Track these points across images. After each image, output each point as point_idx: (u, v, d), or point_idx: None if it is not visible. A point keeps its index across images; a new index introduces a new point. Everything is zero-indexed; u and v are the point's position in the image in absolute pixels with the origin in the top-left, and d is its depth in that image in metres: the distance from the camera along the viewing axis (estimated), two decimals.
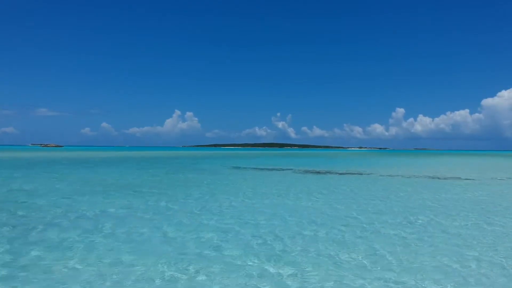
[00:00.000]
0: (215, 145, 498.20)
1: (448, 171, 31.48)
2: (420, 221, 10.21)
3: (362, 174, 27.43)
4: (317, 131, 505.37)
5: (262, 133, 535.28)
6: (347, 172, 29.33)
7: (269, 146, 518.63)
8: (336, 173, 28.42)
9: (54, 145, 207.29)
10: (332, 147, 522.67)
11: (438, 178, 24.62)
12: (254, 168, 32.82)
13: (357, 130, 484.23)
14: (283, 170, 31.10)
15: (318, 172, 28.50)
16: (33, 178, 21.02)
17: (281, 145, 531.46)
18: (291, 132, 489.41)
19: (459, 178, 24.73)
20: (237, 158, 64.27)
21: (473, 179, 23.71)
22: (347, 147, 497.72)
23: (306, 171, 29.45)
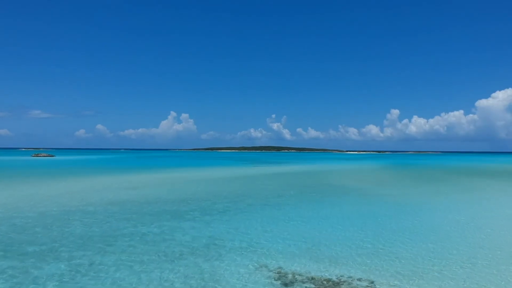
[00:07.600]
0: (211, 149, 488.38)
1: None
2: None
3: None
4: (312, 133, 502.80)
5: (257, 134, 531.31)
6: None
7: (266, 149, 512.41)
8: None
9: (45, 155, 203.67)
10: (329, 150, 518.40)
11: None
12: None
13: (352, 131, 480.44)
14: None
15: None
16: None
17: (278, 148, 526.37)
18: (286, 133, 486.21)
19: None
20: (256, 199, 54.81)
21: None
22: (345, 150, 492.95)
23: None
